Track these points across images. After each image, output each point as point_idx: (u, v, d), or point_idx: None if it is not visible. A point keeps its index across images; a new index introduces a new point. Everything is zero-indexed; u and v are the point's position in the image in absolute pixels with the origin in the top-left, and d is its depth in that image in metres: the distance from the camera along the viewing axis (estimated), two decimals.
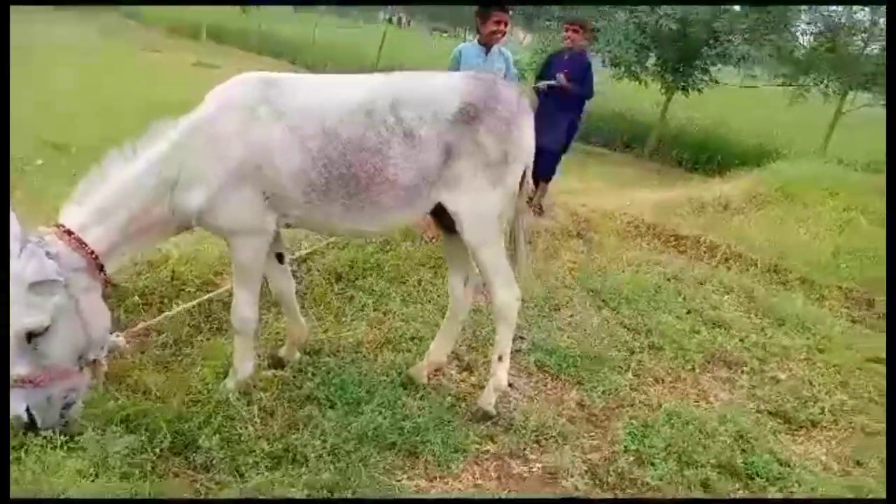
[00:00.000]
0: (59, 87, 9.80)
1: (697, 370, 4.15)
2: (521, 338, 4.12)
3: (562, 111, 6.10)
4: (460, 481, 2.93)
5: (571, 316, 4.62)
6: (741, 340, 4.58)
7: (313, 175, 2.77)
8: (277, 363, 3.48)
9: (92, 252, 2.57)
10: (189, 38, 24.03)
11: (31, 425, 2.48)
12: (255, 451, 2.81)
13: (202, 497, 2.58)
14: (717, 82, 14.76)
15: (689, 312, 4.90)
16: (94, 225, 2.59)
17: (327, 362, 3.49)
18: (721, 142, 15.56)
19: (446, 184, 2.95)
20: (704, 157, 15.45)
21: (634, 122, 17.45)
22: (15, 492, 2.18)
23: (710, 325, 4.77)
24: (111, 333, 2.82)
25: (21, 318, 2.37)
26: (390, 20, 21.61)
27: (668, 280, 5.50)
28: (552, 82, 6.05)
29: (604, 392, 3.71)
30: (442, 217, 3.14)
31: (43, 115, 7.79)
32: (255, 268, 2.98)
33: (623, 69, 14.59)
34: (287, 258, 3.35)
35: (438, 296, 4.39)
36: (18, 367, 2.42)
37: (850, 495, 3.15)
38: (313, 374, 3.39)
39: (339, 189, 2.81)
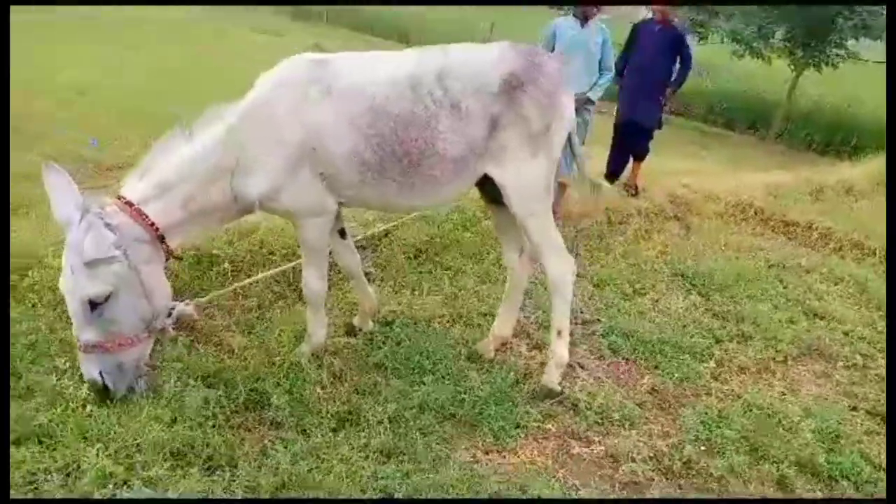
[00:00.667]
0: (176, 66, 10.38)
1: (789, 362, 3.91)
2: (598, 320, 4.05)
3: (653, 87, 5.84)
4: (517, 456, 2.93)
5: (656, 300, 4.46)
6: (845, 334, 4.26)
7: (367, 154, 2.81)
8: (351, 331, 3.61)
9: (152, 224, 2.65)
10: (310, 21, 24.92)
11: (105, 389, 2.62)
12: (321, 412, 2.94)
13: (268, 450, 2.73)
14: (855, 57, 13.51)
15: (788, 302, 4.61)
16: (154, 199, 2.68)
17: (398, 333, 3.58)
18: (857, 122, 14.35)
19: (492, 155, 2.95)
20: (838, 138, 14.32)
21: (760, 101, 16.40)
22: (94, 431, 2.42)
23: (810, 315, 4.46)
24: (181, 301, 3.01)
25: (83, 288, 2.50)
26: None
27: (770, 267, 5.20)
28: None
29: (680, 379, 3.57)
30: (487, 189, 3.14)
31: (157, 91, 8.25)
32: (320, 245, 3.09)
33: (744, 46, 13.69)
34: (349, 234, 3.45)
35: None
36: (86, 334, 2.56)
37: None
38: (383, 344, 3.50)
39: (393, 167, 2.84)
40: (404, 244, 4.45)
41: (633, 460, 2.94)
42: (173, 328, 2.95)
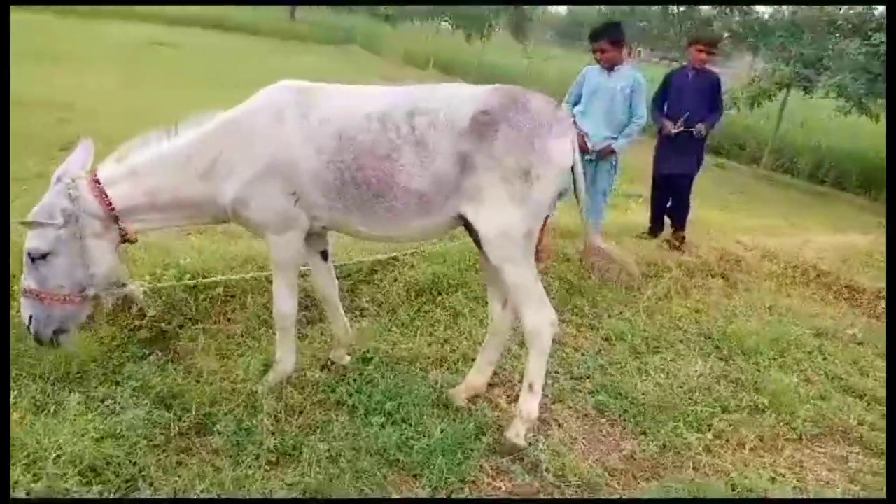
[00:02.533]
0: None
1: (803, 441, 3.48)
2: (587, 377, 3.79)
3: (690, 137, 5.52)
4: None
5: (669, 361, 4.13)
6: (883, 416, 3.75)
7: (329, 178, 2.86)
8: (327, 366, 3.57)
9: (109, 204, 2.84)
10: (419, 68, 25.82)
11: (29, 331, 2.87)
12: (262, 444, 2.90)
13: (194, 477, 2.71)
14: None
15: (823, 375, 4.14)
16: (121, 181, 2.87)
17: (371, 372, 3.50)
18: None
19: (466, 196, 2.85)
20: None
21: (875, 160, 15.24)
22: (20, 439, 2.49)
23: (847, 392, 3.98)
24: (136, 283, 3.20)
25: (27, 241, 2.78)
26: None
27: (817, 335, 4.71)
28: (681, 129, 5.50)
29: (665, 448, 3.27)
30: (475, 233, 3.01)
31: None
32: (289, 263, 3.12)
33: (851, 102, 12.80)
34: (331, 257, 3.45)
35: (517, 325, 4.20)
36: (26, 280, 2.83)
37: None
38: (354, 381, 3.43)
39: (352, 191, 2.87)
40: (407, 281, 4.40)
41: None
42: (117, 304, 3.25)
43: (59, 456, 2.48)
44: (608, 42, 4.90)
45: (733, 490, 2.98)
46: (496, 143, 2.77)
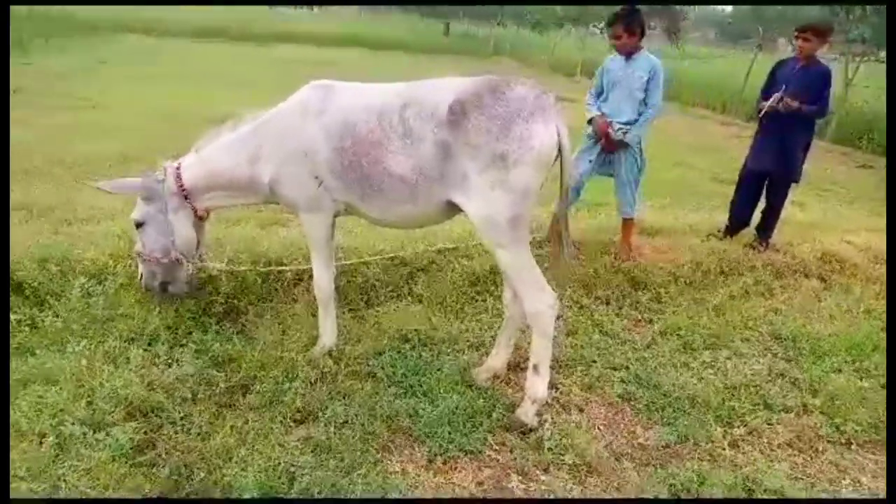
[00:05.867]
0: None
1: (853, 447, 3.23)
2: (624, 367, 3.75)
3: (790, 132, 5.11)
4: (447, 477, 2.91)
5: (726, 358, 3.97)
6: None
7: (335, 160, 3.21)
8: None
9: (181, 185, 3.51)
10: (567, 75, 25.62)
11: (141, 283, 3.71)
12: (289, 404, 3.24)
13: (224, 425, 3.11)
14: None
15: None
16: (193, 167, 3.53)
17: (406, 349, 3.75)
18: None
19: (453, 183, 3.02)
20: None
21: None
22: (86, 379, 3.02)
23: None
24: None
25: (132, 213, 3.61)
26: (759, 46, 19.66)
27: None
28: (772, 102, 5.10)
29: (686, 438, 3.19)
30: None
31: None
32: (320, 241, 3.50)
33: None
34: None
35: (569, 315, 4.24)
36: (136, 245, 3.65)
37: None
38: (388, 357, 3.68)
39: (350, 175, 3.19)
40: (464, 271, 4.57)
41: None
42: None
43: (111, 396, 2.98)
44: (623, 28, 4.73)
45: (743, 484, 2.86)
46: (470, 130, 2.93)
